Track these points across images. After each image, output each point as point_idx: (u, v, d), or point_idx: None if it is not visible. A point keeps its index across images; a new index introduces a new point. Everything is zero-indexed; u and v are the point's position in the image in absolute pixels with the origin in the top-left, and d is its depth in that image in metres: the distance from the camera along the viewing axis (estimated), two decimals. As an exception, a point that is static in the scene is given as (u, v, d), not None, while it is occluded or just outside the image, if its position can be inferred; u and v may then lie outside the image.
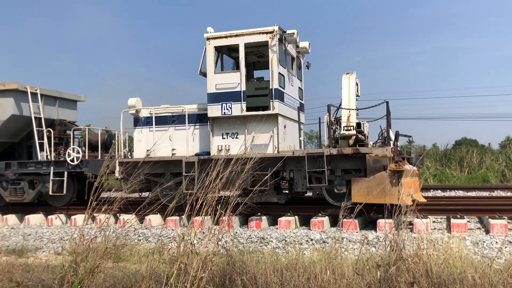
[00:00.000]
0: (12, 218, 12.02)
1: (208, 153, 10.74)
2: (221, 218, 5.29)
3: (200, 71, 11.07)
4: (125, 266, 7.24)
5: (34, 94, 12.73)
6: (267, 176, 6.80)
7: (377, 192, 8.64)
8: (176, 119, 11.39)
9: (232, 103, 10.34)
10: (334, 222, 9.47)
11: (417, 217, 8.69)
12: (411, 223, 8.70)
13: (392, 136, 9.77)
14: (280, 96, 10.27)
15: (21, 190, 12.29)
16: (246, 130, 10.39)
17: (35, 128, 12.49)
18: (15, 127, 12.92)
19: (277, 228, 9.40)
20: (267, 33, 10.28)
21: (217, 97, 10.46)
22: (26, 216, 11.84)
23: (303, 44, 11.84)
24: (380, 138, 10.16)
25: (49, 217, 11.63)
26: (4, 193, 12.47)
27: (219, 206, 5.24)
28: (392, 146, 9.45)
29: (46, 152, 12.40)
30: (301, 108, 11.79)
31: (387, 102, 9.56)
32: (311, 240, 8.27)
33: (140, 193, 10.88)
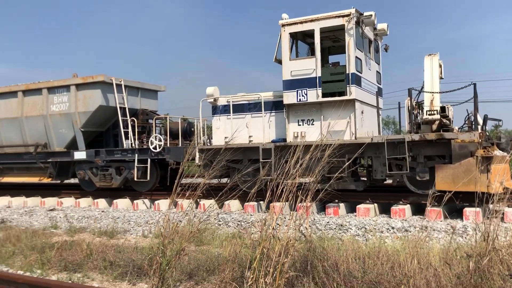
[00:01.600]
0: (102, 202, 12.91)
1: (284, 140, 10.77)
2: (298, 204, 5.30)
3: (275, 59, 11.08)
4: (207, 249, 7.51)
5: (118, 86, 13.47)
6: (348, 163, 6.68)
7: (464, 179, 8.19)
8: (252, 107, 11.53)
9: (308, 89, 10.25)
10: (416, 210, 9.14)
11: (509, 206, 8.15)
12: (501, 212, 8.18)
13: (480, 120, 9.19)
14: (357, 81, 10.02)
15: (109, 176, 13.13)
16: (322, 116, 10.28)
17: (120, 118, 13.24)
18: (102, 117, 13.79)
19: (355, 216, 9.25)
20: (343, 16, 10.03)
21: (292, 84, 10.43)
22: (115, 201, 12.66)
23: (381, 26, 11.42)
24: (466, 122, 9.60)
25: (135, 201, 12.34)
26: (94, 179, 13.40)
27: (300, 192, 5.25)
28: (480, 130, 8.90)
29: (131, 140, 13.11)
30: (379, 93, 11.42)
31: (474, 84, 9.00)
32: (392, 228, 8.06)
33: (219, 179, 11.19)
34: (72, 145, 13.89)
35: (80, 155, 13.49)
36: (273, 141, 10.92)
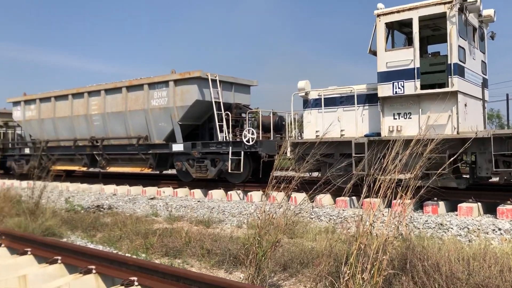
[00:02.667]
0: (198, 193, 13.51)
1: (378, 134, 10.45)
2: (394, 201, 5.12)
3: (370, 50, 10.75)
4: (300, 242, 7.55)
5: (213, 81, 13.95)
6: (452, 159, 6.31)
7: None
8: (344, 100, 11.33)
9: (405, 81, 9.83)
10: (526, 212, 8.40)
11: None
12: None
13: None
14: (460, 71, 9.41)
15: (205, 168, 13.69)
16: (420, 109, 9.80)
17: (215, 112, 13.72)
18: (198, 111, 14.38)
19: (456, 215, 8.73)
20: (444, 3, 9.46)
21: (388, 76, 10.07)
22: (210, 191, 13.18)
23: (487, 12, 10.60)
24: None
25: (229, 192, 12.75)
26: (191, 170, 14.05)
27: (400, 188, 5.07)
28: None
29: (225, 134, 13.54)
30: (484, 84, 10.64)
31: None
32: (499, 229, 7.48)
33: (310, 173, 11.16)
34: (171, 138, 14.68)
35: (177, 147, 14.22)
36: (366, 135, 10.65)
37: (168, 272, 4.53)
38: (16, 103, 20.23)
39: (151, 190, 14.65)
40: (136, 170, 16.35)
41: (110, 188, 15.58)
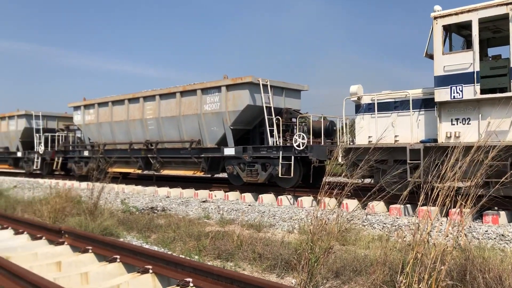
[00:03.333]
0: (248, 196, 13.63)
1: (435, 140, 10.13)
2: (451, 210, 4.95)
3: (426, 53, 10.45)
4: (352, 249, 7.44)
5: (265, 86, 14.05)
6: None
7: None
8: (399, 105, 11.07)
9: (463, 85, 9.48)
10: None
11: None
12: None
13: None
14: (523, 75, 8.96)
15: (255, 172, 13.80)
16: (480, 115, 9.42)
17: (266, 116, 13.80)
18: (249, 116, 14.53)
19: (519, 226, 8.30)
20: (507, 4, 9.05)
21: (445, 80, 9.75)
22: (260, 195, 13.26)
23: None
24: None
25: (279, 197, 12.78)
26: (242, 174, 14.20)
27: (459, 197, 4.90)
28: None
29: (275, 138, 13.59)
30: (550, 88, 10.06)
31: None
32: None
33: (362, 179, 10.98)
34: (222, 142, 14.91)
35: (229, 151, 14.42)
36: (422, 141, 10.35)
37: (222, 274, 4.61)
38: (77, 108, 21.26)
39: (203, 193, 14.93)
40: (189, 173, 16.72)
41: (163, 191, 16.02)
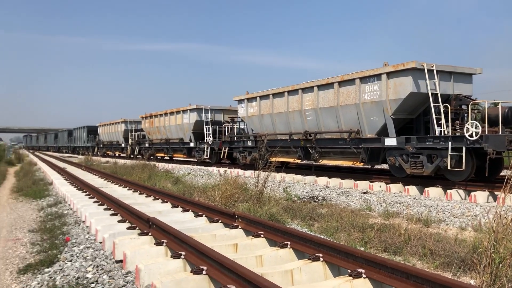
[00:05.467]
0: (412, 189, 12.97)
1: None
2: None
3: None
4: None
5: (430, 71, 13.15)
6: None
7: None
8: None
9: None
10: None
11: None
12: None
13: None
14: None
15: (420, 164, 13.04)
16: None
17: (432, 104, 12.92)
18: (413, 104, 13.78)
19: None
20: None
21: None
22: (426, 189, 12.51)
23: None
24: None
25: (448, 191, 11.88)
26: (404, 165, 13.56)
27: None
28: None
29: (443, 127, 12.64)
30: None
31: None
32: None
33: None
34: (382, 132, 14.43)
35: (390, 141, 13.89)
36: None
37: (397, 268, 4.46)
38: (240, 101, 22.71)
39: (363, 184, 14.67)
40: (347, 163, 16.60)
41: (322, 180, 16.18)
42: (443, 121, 12.57)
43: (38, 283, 5.90)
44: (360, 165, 15.97)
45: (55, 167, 27.68)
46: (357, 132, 15.33)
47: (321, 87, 16.94)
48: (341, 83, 15.94)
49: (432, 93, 13.02)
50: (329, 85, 16.48)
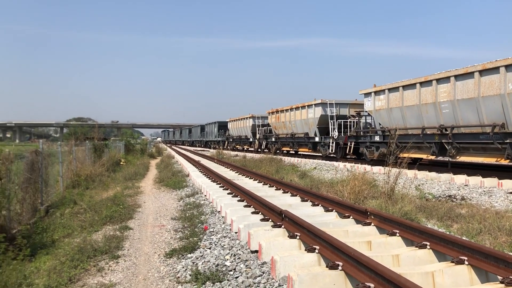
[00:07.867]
0: None
1: None
2: None
3: None
4: None
5: None
6: None
7: None
8: None
9: None
10: None
11: None
12: None
13: None
14: None
15: None
16: None
17: None
18: None
19: None
20: None
21: None
22: None
23: None
24: None
25: None
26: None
27: None
28: None
29: None
30: None
31: None
32: None
33: None
34: (534, 126, 12.87)
35: (543, 136, 12.33)
36: None
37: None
38: (367, 94, 22.05)
39: (509, 183, 13.25)
40: (490, 160, 15.13)
41: (460, 178, 14.97)
42: None
43: (183, 267, 6.42)
44: (506, 162, 14.45)
45: (190, 160, 29.84)
46: (501, 126, 13.89)
47: (458, 77, 15.67)
48: (483, 72, 14.56)
49: None
50: (468, 75, 15.16)
